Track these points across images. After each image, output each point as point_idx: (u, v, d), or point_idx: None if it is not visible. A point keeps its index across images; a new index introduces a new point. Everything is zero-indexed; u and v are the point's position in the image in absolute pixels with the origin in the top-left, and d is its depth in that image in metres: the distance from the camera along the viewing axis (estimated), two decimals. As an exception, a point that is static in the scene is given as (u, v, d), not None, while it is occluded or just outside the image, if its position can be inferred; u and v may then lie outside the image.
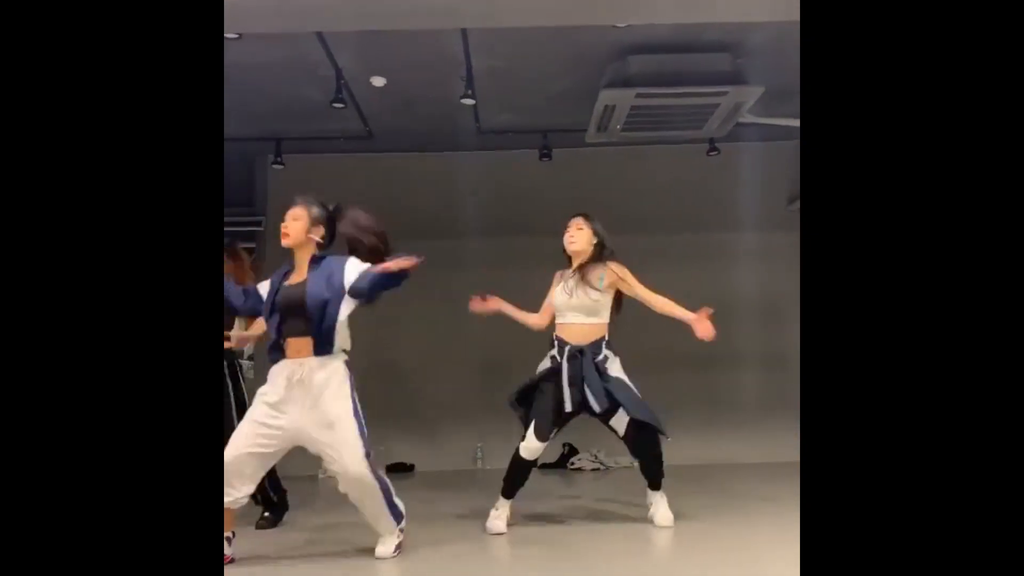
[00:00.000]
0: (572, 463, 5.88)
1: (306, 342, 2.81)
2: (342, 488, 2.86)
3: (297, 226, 2.91)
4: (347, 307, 2.84)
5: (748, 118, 5.10)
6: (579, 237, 3.52)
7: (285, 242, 2.93)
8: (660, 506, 3.44)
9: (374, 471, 2.83)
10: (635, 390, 3.38)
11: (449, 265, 5.48)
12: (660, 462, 3.45)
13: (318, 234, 2.94)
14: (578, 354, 3.36)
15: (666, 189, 6.12)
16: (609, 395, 3.30)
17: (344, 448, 2.77)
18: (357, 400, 2.85)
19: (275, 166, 5.95)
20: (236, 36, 4.11)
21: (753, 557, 2.87)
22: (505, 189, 6.04)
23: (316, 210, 2.95)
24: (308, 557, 3.07)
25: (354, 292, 2.82)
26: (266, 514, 3.64)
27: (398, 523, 2.94)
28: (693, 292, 6.06)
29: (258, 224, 6.20)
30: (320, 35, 4.24)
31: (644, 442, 3.37)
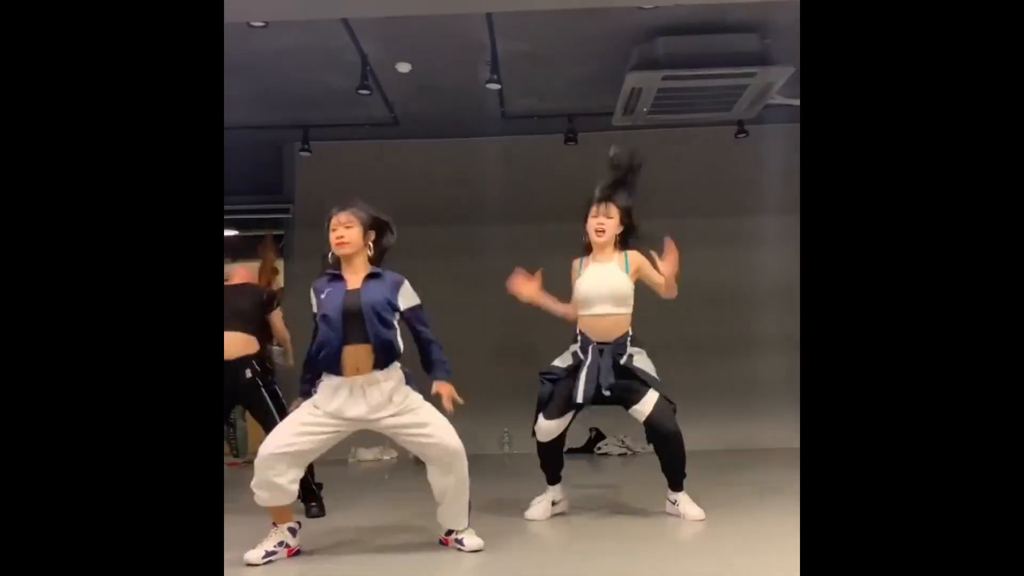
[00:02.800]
0: (599, 448, 5.89)
1: (366, 351, 2.75)
2: (435, 474, 2.83)
3: (354, 233, 2.82)
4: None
5: (777, 99, 5.02)
6: (610, 227, 3.32)
7: (345, 251, 2.81)
8: (686, 505, 3.30)
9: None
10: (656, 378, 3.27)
11: (474, 251, 5.50)
12: (682, 458, 3.28)
13: (371, 239, 2.87)
14: (599, 352, 3.24)
15: (694, 172, 6.06)
16: (625, 373, 3.19)
17: (439, 431, 2.80)
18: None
19: (302, 153, 5.99)
20: (263, 24, 4.14)
21: (759, 546, 2.85)
22: (530, 174, 6.02)
23: (364, 215, 2.86)
24: (356, 546, 3.11)
25: (424, 357, 2.92)
26: (312, 504, 3.62)
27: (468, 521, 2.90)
28: (721, 275, 6.05)
29: (286, 211, 6.25)
30: (346, 21, 4.24)
31: (666, 431, 3.20)
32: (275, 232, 3.99)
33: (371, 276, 2.85)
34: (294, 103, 5.48)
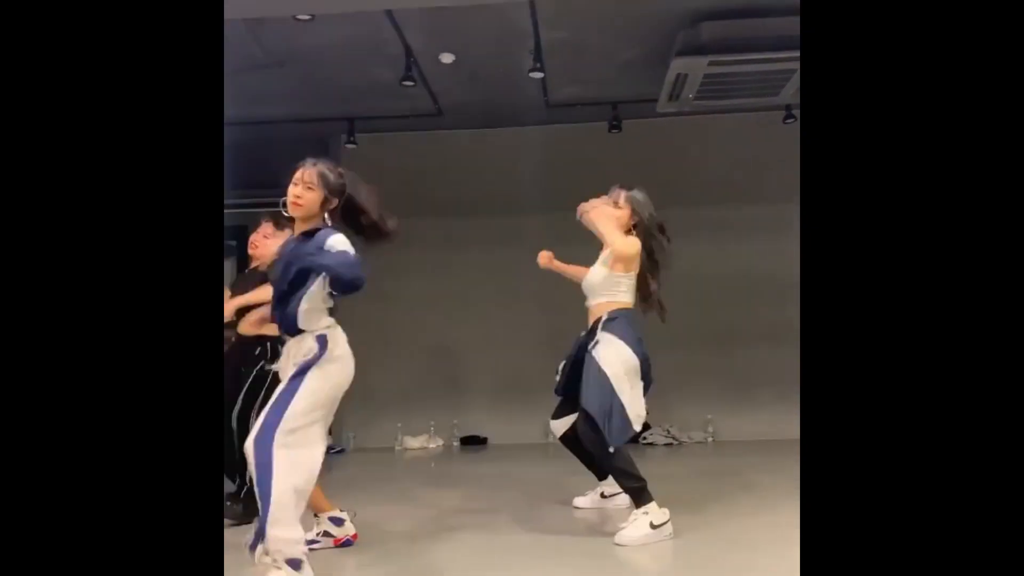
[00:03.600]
0: (644, 438, 5.86)
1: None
2: None
3: (312, 197, 2.46)
4: (317, 285, 2.41)
5: (827, 83, 4.90)
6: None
7: (295, 212, 2.47)
8: (633, 523, 2.87)
9: (264, 452, 2.24)
10: (612, 388, 2.91)
11: (518, 240, 5.50)
12: (623, 474, 2.95)
13: (330, 206, 2.50)
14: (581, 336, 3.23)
15: (740, 159, 5.97)
16: (575, 380, 3.05)
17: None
18: (323, 381, 2.36)
19: (348, 146, 6.07)
20: (309, 18, 4.20)
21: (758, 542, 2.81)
22: (575, 163, 6.00)
23: (333, 180, 2.50)
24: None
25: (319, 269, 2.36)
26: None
27: (255, 544, 2.27)
28: (768, 264, 5.94)
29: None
30: (389, 14, 4.28)
31: (590, 440, 2.94)
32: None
33: (304, 234, 2.48)
34: (339, 96, 5.55)
